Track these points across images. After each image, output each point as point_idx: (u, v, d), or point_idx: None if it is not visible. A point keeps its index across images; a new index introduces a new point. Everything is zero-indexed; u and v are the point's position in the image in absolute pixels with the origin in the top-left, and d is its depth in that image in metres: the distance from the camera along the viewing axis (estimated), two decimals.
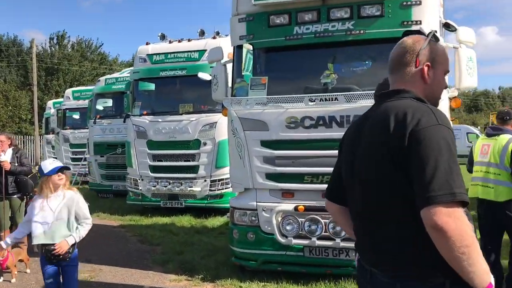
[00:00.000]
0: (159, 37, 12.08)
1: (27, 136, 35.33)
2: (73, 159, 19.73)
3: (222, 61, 6.73)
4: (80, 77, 40.76)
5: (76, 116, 20.96)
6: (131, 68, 15.04)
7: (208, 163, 11.13)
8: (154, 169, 11.65)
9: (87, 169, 18.44)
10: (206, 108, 11.47)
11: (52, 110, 22.67)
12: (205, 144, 11.14)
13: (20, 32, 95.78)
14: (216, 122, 11.05)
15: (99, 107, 16.46)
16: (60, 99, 24.10)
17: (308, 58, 6.32)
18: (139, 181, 11.80)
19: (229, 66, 6.77)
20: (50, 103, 24.75)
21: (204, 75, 10.96)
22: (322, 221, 5.79)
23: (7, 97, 38.29)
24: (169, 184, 11.44)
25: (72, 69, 40.56)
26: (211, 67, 11.21)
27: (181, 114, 11.44)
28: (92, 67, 41.62)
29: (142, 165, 11.75)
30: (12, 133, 37.62)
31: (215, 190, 11.14)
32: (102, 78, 16.22)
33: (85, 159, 18.27)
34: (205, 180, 11.17)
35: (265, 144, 6.10)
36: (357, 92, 5.69)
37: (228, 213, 11.41)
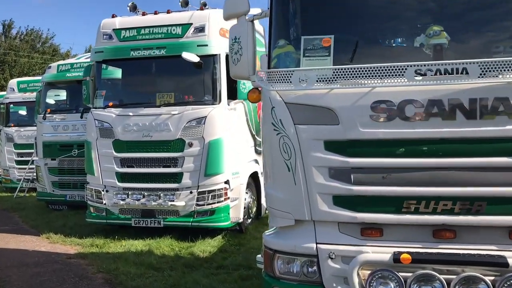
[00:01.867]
0: (128, 8, 9.33)
1: None
2: (18, 162, 16.51)
3: (248, 16, 4.20)
4: (29, 71, 36.74)
5: (22, 111, 17.70)
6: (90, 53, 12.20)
7: (195, 170, 8.51)
8: (122, 177, 8.91)
9: (35, 174, 15.36)
10: (191, 99, 8.85)
11: None
12: (190, 145, 8.51)
13: None
14: (205, 117, 8.45)
15: (50, 100, 13.44)
16: (3, 92, 20.64)
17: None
18: (102, 193, 9.02)
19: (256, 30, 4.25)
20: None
21: (190, 56, 8.38)
22: (442, 278, 3.36)
23: None
24: (143, 197, 8.74)
25: (20, 61, 36.56)
26: (200, 45, 8.76)
27: (159, 106, 8.77)
28: (43, 60, 37.69)
29: (106, 173, 8.98)
30: None
31: (203, 205, 8.53)
32: (54, 65, 13.21)
33: (32, 162, 15.14)
34: (190, 192, 8.54)
35: (333, 146, 3.62)
36: (502, 58, 3.30)
37: (223, 232, 9.18)
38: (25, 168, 15.90)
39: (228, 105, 8.77)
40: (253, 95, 4.26)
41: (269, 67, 3.97)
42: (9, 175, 16.84)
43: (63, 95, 14.87)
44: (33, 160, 15.18)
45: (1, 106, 17.16)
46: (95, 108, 9.21)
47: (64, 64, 12.98)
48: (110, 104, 9.09)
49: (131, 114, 8.79)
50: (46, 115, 12.48)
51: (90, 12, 78.10)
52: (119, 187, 8.90)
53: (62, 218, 11.33)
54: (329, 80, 3.63)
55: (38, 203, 13.12)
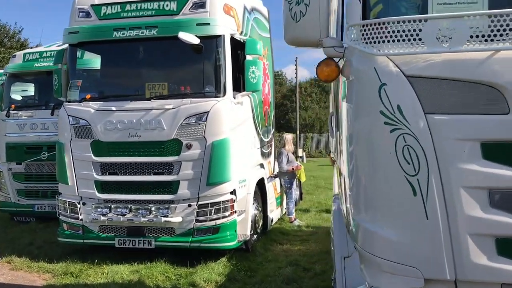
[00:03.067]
0: None
1: None
2: None
3: None
4: None
5: None
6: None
7: (194, 178, 6.82)
8: (103, 187, 7.15)
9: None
10: (189, 91, 7.16)
11: None
12: (189, 147, 6.82)
13: None
14: (207, 113, 6.77)
15: (16, 95, 11.52)
16: None
17: None
18: (78, 206, 7.24)
19: None
20: None
21: (187, 37, 6.70)
22: None
23: None
24: (130, 211, 7.00)
25: None
26: (200, 24, 7.06)
27: (149, 99, 7.06)
28: (10, 55, 35.09)
29: (83, 181, 7.20)
30: None
31: (205, 221, 6.84)
32: (20, 53, 11.26)
33: None
34: (189, 205, 6.84)
35: (500, 152, 2.05)
36: None
37: (228, 253, 7.11)
38: None
39: (234, 98, 7.12)
40: (327, 69, 2.64)
41: (366, 17, 2.36)
42: None
43: (31, 90, 12.98)
44: None
45: None
46: (69, 102, 7.41)
47: (32, 52, 11.04)
48: (88, 96, 7.30)
49: (114, 108, 7.03)
50: (10, 111, 10.56)
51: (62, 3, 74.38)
52: (99, 199, 7.14)
53: (29, 233, 9.45)
54: (491, 37, 2.05)
55: (0, 215, 11.17)
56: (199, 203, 6.84)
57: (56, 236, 7.75)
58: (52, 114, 10.22)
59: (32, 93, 11.71)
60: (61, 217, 7.49)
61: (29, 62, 10.83)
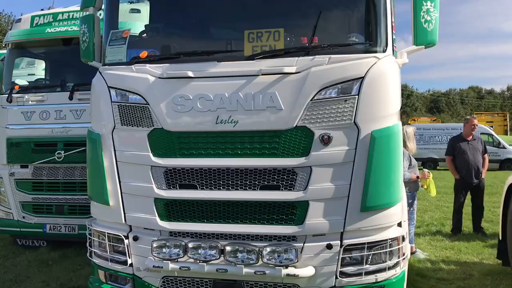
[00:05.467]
0: None
1: None
2: None
3: None
4: None
5: None
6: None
7: (337, 197, 3.74)
8: (171, 210, 4.04)
9: None
10: (319, 43, 4.06)
11: None
12: (326, 141, 3.76)
13: None
14: (361, 79, 3.70)
15: (19, 79, 8.51)
16: None
17: None
18: (126, 242, 4.16)
19: None
20: None
21: None
22: None
23: None
24: (220, 254, 3.89)
25: None
26: None
27: (251, 58, 3.96)
28: None
29: (135, 200, 4.10)
30: None
31: (358, 275, 3.76)
32: (26, 16, 8.18)
33: None
34: (328, 246, 3.76)
35: None
36: None
37: None
38: None
39: (395, 55, 4.08)
40: None
41: None
42: None
43: (40, 73, 9.98)
44: None
45: None
46: (110, 65, 4.38)
47: (43, 15, 7.94)
48: (144, 54, 4.22)
49: (190, 74, 3.97)
50: (13, 95, 7.52)
51: None
52: (164, 230, 4.08)
53: (39, 268, 6.44)
54: None
55: (0, 234, 8.15)
56: (346, 242, 3.76)
57: (81, 278, 4.71)
58: (70, 98, 7.23)
59: (42, 69, 8.71)
60: (95, 259, 4.42)
61: (39, 27, 7.77)
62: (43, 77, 8.92)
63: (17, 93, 7.55)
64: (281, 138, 3.83)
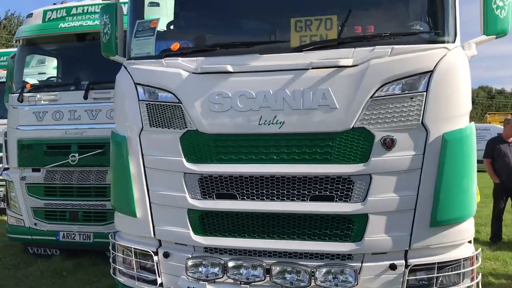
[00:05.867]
0: None
1: None
2: None
3: None
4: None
5: None
6: None
7: (401, 210, 3.23)
8: (207, 223, 3.55)
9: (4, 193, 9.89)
10: (371, 32, 3.56)
11: None
12: (388, 145, 3.26)
13: None
14: (430, 73, 3.19)
15: (30, 78, 8.05)
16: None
17: None
18: (155, 258, 3.68)
19: None
20: None
21: None
22: None
23: None
24: (266, 275, 3.40)
25: None
26: None
27: (299, 50, 3.46)
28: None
29: (166, 211, 3.60)
30: None
31: None
32: (38, 11, 7.70)
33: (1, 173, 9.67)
34: (391, 267, 3.26)
35: None
36: None
37: None
38: None
39: (463, 47, 3.55)
40: None
41: None
42: None
43: (51, 71, 9.55)
44: (2, 171, 9.72)
45: None
46: (137, 58, 3.88)
47: (56, 9, 7.46)
48: (175, 46, 3.72)
49: (229, 69, 3.47)
50: (25, 94, 7.04)
51: None
52: (199, 246, 3.59)
53: (52, 280, 5.96)
54: None
55: (9, 244, 7.67)
56: (413, 262, 3.24)
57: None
58: (85, 97, 6.72)
59: (54, 67, 8.24)
60: (120, 278, 3.92)
61: (52, 22, 7.28)
62: (55, 75, 8.47)
63: (29, 92, 7.07)
64: (335, 141, 3.32)
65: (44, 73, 9.78)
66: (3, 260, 6.88)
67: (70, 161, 6.72)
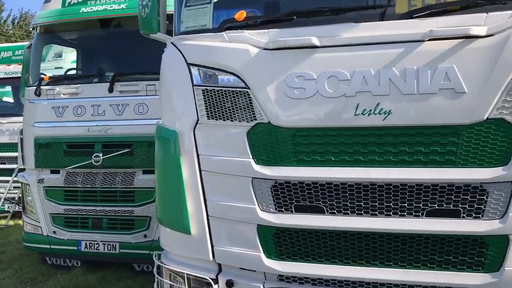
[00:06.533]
0: None
1: None
2: None
3: None
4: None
5: (7, 97, 11.54)
6: None
7: None
8: (283, 243, 2.72)
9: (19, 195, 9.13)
10: None
11: None
12: None
13: None
14: None
15: (47, 65, 7.25)
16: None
17: None
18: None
19: None
20: None
21: None
22: None
23: None
24: None
25: None
26: None
27: (409, 17, 2.62)
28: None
29: (228, 227, 2.78)
30: None
31: None
32: None
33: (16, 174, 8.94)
34: None
35: None
36: None
37: None
38: (7, 182, 9.64)
39: None
40: None
41: None
42: None
43: (68, 65, 8.78)
44: (19, 171, 8.98)
45: None
46: (189, 32, 3.04)
47: None
48: (241, 15, 2.88)
49: (315, 43, 2.62)
50: (42, 87, 6.24)
51: None
52: (272, 272, 2.75)
53: None
54: None
55: (26, 253, 6.88)
56: None
57: None
58: (110, 90, 5.91)
59: (73, 59, 7.46)
60: None
61: (72, 7, 6.47)
62: (74, 69, 7.70)
63: (47, 84, 6.28)
64: (463, 137, 2.46)
65: (61, 68, 9.03)
66: (19, 272, 6.08)
67: (93, 162, 5.91)
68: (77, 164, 5.99)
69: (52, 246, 6.16)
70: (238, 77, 2.76)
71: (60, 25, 6.44)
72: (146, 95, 5.81)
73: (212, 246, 2.86)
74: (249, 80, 2.73)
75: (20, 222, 9.61)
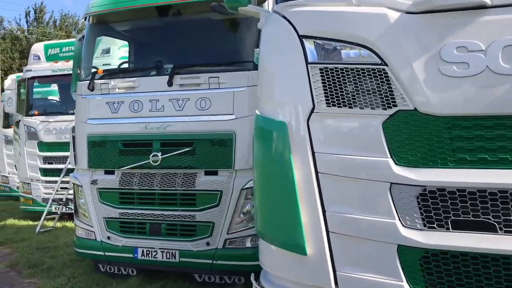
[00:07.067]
0: None
1: None
2: (45, 172, 9.95)
3: None
4: None
5: (47, 89, 11.26)
6: None
7: None
8: (440, 267, 2.08)
9: (70, 194, 8.76)
10: None
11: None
12: None
13: None
14: None
15: (94, 61, 6.78)
16: None
17: None
18: None
19: None
20: (10, 79, 14.35)
21: None
22: None
23: None
24: None
25: None
26: None
27: None
28: None
29: (355, 247, 2.16)
30: None
31: None
32: None
33: (67, 173, 8.57)
34: None
35: None
36: None
37: None
38: (55, 183, 9.31)
39: None
40: None
41: None
42: (30, 191, 10.20)
43: (116, 56, 8.42)
44: (67, 171, 8.59)
45: (21, 84, 10.64)
46: None
47: None
48: None
49: (486, 0, 1.93)
50: (96, 81, 5.74)
51: None
52: None
53: None
54: None
55: (76, 259, 6.40)
56: None
57: None
58: (170, 83, 5.34)
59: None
60: None
61: None
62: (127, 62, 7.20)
63: (101, 78, 5.78)
64: None
65: (109, 64, 8.58)
66: (72, 281, 5.59)
67: (151, 162, 5.35)
68: (134, 164, 5.45)
69: (106, 253, 5.64)
70: (371, 50, 2.09)
71: (114, 14, 5.94)
72: (209, 89, 5.21)
73: (334, 271, 2.19)
74: (387, 55, 2.05)
75: (67, 224, 9.27)
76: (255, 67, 5.10)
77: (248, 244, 5.15)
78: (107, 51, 9.70)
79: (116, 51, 9.24)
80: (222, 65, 5.36)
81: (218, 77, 5.17)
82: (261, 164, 2.42)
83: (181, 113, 5.27)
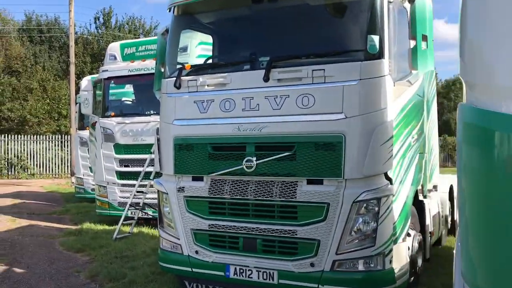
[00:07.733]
0: None
1: (66, 136, 25.99)
2: (122, 175, 9.64)
3: None
4: None
5: (128, 97, 11.03)
6: None
7: None
8: None
9: (147, 199, 8.39)
10: None
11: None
12: None
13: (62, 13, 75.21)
14: None
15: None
16: None
17: None
18: None
19: None
20: (86, 80, 14.40)
21: None
22: None
23: (45, 87, 29.33)
24: None
25: None
26: None
27: None
28: None
29: None
30: (50, 132, 28.64)
31: None
32: None
33: (146, 177, 8.16)
34: None
35: None
36: None
37: None
38: (132, 187, 8.95)
39: None
40: None
41: None
42: (106, 195, 9.94)
43: (194, 55, 7.93)
44: (145, 175, 8.17)
45: (97, 85, 10.45)
46: None
47: None
48: None
49: None
50: (183, 78, 5.15)
51: None
52: None
53: None
54: None
55: (158, 273, 5.86)
56: None
57: None
58: (266, 79, 4.63)
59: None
60: None
61: None
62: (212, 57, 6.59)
63: (188, 75, 5.19)
64: None
65: (186, 63, 8.07)
66: None
67: (244, 168, 4.68)
68: (225, 170, 4.81)
69: (194, 269, 5.04)
70: None
71: (202, 3, 5.34)
72: (312, 83, 4.46)
73: None
74: None
75: (144, 229, 8.88)
76: (368, 57, 4.35)
77: (361, 267, 4.34)
78: (184, 49, 9.18)
79: (193, 49, 8.73)
80: (328, 55, 4.59)
81: (323, 69, 4.41)
82: (480, 185, 1.60)
83: (279, 112, 4.56)
